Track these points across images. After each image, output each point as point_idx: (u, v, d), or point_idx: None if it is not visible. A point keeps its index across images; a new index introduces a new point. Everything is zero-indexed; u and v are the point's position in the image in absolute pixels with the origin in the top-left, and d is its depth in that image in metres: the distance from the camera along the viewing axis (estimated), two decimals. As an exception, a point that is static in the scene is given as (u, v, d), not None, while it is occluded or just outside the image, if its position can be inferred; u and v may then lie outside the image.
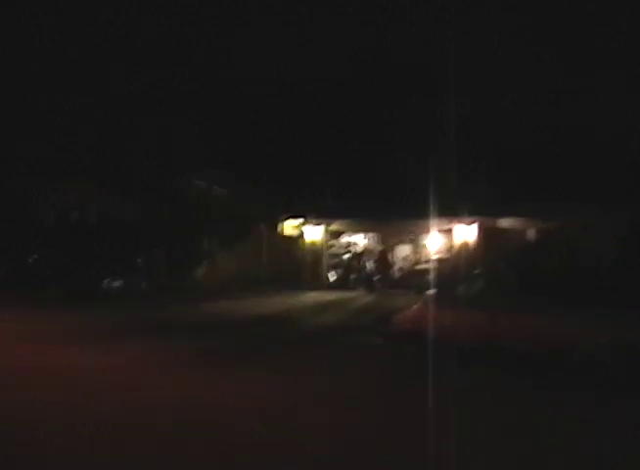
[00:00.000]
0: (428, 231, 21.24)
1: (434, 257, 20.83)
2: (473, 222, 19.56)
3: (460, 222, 19.66)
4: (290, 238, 22.36)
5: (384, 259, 23.73)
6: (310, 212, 21.55)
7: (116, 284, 15.73)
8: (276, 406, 5.10)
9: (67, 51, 19.09)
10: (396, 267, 23.95)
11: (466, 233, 19.87)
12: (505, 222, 19.51)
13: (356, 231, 23.94)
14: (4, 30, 18.44)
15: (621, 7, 18.46)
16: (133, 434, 4.32)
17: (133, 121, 19.60)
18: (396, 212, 19.76)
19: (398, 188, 19.87)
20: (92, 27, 19.42)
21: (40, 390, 5.57)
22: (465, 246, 19.80)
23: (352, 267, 23.61)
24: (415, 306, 11.21)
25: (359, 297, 18.74)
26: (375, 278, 23.10)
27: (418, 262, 23.11)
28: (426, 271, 20.00)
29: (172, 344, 8.34)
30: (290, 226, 22.42)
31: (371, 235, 24.38)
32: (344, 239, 24.16)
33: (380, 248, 24.24)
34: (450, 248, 20.69)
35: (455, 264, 18.77)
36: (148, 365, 6.83)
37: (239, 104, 21.01)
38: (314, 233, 22.22)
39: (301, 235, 22.30)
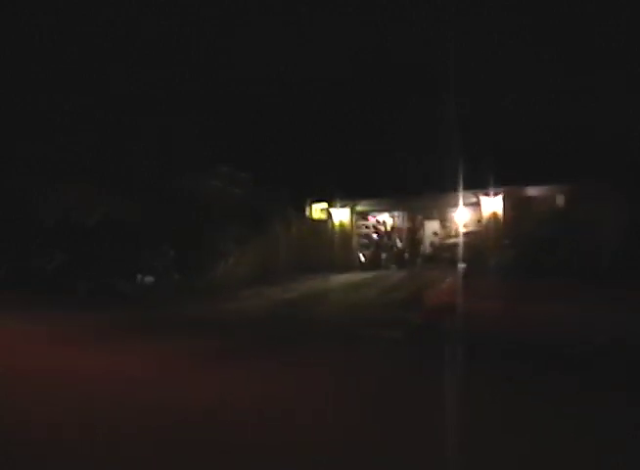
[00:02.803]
0: (455, 205, 21.27)
1: (463, 230, 20.83)
2: (498, 194, 19.44)
3: (486, 194, 19.59)
4: (318, 221, 22.34)
5: (413, 236, 23.75)
6: (335, 194, 21.47)
7: (147, 278, 15.75)
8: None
9: (67, 51, 19.08)
10: (426, 243, 23.92)
11: (493, 205, 19.78)
12: (532, 191, 19.32)
13: (383, 210, 23.91)
14: (4, 30, 18.44)
15: (621, 7, 18.46)
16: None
17: (133, 121, 19.59)
18: (422, 188, 19.68)
19: (420, 163, 19.70)
20: (92, 28, 19.43)
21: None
22: (493, 217, 19.69)
23: (382, 246, 23.57)
24: (447, 281, 11.32)
25: (391, 275, 18.63)
26: (405, 255, 23.06)
27: (447, 237, 23.11)
28: (455, 245, 20.12)
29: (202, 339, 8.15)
30: (317, 210, 22.37)
31: (398, 213, 24.30)
32: (372, 219, 24.10)
33: (408, 225, 24.22)
34: (478, 220, 20.62)
35: (484, 237, 18.73)
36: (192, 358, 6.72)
37: (239, 104, 21.03)
38: (341, 215, 22.25)
39: (329, 218, 22.26)
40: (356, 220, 23.08)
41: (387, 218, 24.70)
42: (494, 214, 19.67)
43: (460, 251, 18.77)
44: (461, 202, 20.36)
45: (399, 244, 24.11)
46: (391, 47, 21.37)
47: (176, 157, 19.96)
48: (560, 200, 18.88)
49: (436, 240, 23.98)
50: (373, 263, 22.09)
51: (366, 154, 21.21)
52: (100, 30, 19.43)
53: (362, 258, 22.70)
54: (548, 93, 19.35)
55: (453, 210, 22.66)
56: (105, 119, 19.41)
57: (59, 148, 18.78)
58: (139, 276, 15.81)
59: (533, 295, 10.91)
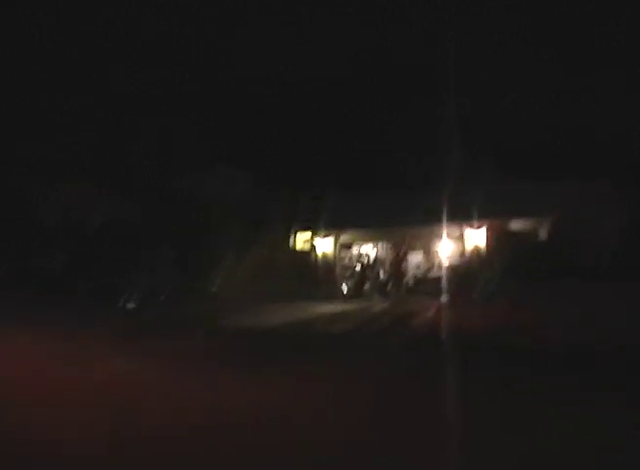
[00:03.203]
0: (439, 237, 21.41)
1: (447, 263, 21.01)
2: (481, 226, 19.69)
3: (469, 227, 19.84)
4: (302, 251, 22.49)
5: (396, 268, 23.88)
6: (319, 225, 21.63)
7: (133, 302, 15.59)
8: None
9: (67, 51, 19.10)
10: (410, 275, 24.10)
11: (476, 237, 20.04)
12: (515, 224, 19.59)
13: (366, 241, 24.08)
14: (4, 30, 18.46)
15: (621, 7, 18.48)
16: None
17: (133, 121, 19.60)
18: (406, 220, 19.88)
19: (406, 195, 19.92)
20: (92, 28, 19.45)
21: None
22: (476, 250, 19.97)
23: (365, 277, 23.78)
24: (431, 311, 11.45)
25: (374, 305, 18.66)
26: (389, 286, 23.27)
27: (430, 269, 23.27)
28: (439, 277, 20.28)
29: (191, 351, 8.07)
30: (301, 239, 22.53)
31: (382, 244, 24.49)
32: (356, 250, 24.31)
33: (392, 256, 24.38)
34: (462, 253, 20.83)
35: (467, 269, 18.97)
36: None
37: (239, 104, 21.04)
38: (325, 245, 22.40)
39: (313, 248, 22.45)
40: (340, 251, 23.17)
41: (370, 249, 24.90)
42: (477, 247, 19.95)
43: (443, 283, 18.95)
44: (445, 234, 20.50)
45: (383, 275, 24.33)
46: (392, 47, 21.42)
47: (174, 159, 19.99)
48: (543, 233, 19.09)
49: (420, 272, 24.10)
50: (356, 294, 22.09)
51: (350, 185, 21.29)
52: (100, 30, 19.45)
53: (345, 289, 22.93)
54: (547, 93, 19.37)
55: (437, 242, 22.89)
56: (105, 119, 19.43)
57: (59, 148, 18.80)
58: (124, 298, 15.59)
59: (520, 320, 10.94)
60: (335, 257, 22.70)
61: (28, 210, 18.63)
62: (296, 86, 21.11)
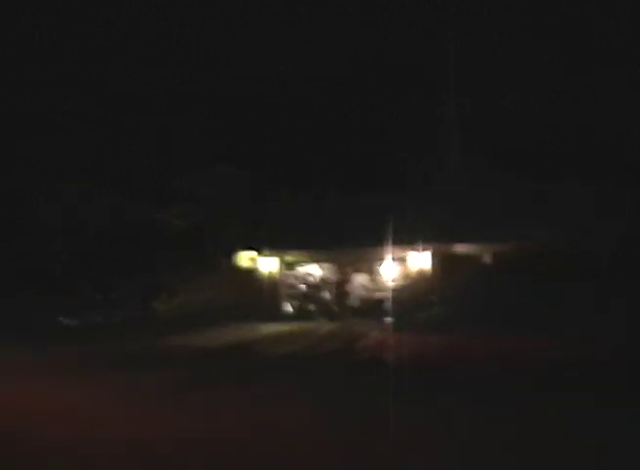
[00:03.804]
0: (384, 259, 21.52)
1: (391, 284, 21.20)
2: (426, 249, 19.96)
3: (414, 250, 20.08)
4: (246, 270, 22.43)
5: (341, 288, 23.98)
6: (264, 244, 21.63)
7: (73, 321, 15.40)
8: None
9: (67, 51, 19.08)
10: (354, 296, 24.19)
11: (421, 260, 20.39)
12: (460, 248, 19.81)
13: (311, 261, 24.16)
14: (4, 30, 18.44)
15: (621, 7, 18.46)
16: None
17: (133, 121, 19.57)
18: (352, 241, 20.05)
19: (351, 215, 20.13)
20: (92, 28, 19.43)
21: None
22: (421, 273, 20.31)
23: (310, 298, 23.81)
24: (374, 334, 11.63)
25: (318, 327, 18.88)
26: (334, 307, 23.36)
27: (375, 291, 23.36)
28: (383, 299, 20.44)
29: (138, 376, 8.14)
30: (245, 258, 22.50)
31: (326, 265, 24.59)
32: (300, 270, 24.36)
33: (336, 277, 24.48)
34: (406, 275, 21.01)
35: (411, 292, 19.31)
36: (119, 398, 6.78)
37: (238, 104, 21.02)
38: (269, 265, 22.43)
39: (257, 267, 22.44)
40: (285, 270, 23.14)
41: (315, 270, 24.95)
42: (422, 270, 20.18)
43: (388, 305, 19.08)
44: (390, 256, 20.57)
45: (328, 296, 24.36)
46: (392, 47, 21.39)
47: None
48: (487, 258, 19.25)
49: (365, 293, 24.15)
50: (301, 315, 22.10)
51: (288, 168, 21.24)
52: (100, 30, 19.42)
53: (290, 309, 22.92)
54: (547, 93, 19.34)
55: (382, 263, 23.01)
56: (105, 119, 19.40)
57: (58, 148, 18.78)
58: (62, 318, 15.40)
59: (454, 347, 10.93)
60: (280, 276, 22.77)
61: (28, 210, 18.59)
62: (296, 86, 21.10)
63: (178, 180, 20.24)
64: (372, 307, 21.31)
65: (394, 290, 20.32)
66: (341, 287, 23.95)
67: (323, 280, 24.61)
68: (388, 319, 17.57)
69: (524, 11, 19.91)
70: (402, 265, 21.37)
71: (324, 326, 18.98)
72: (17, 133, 18.97)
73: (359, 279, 24.61)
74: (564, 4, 19.60)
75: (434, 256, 19.99)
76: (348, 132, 21.61)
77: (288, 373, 8.61)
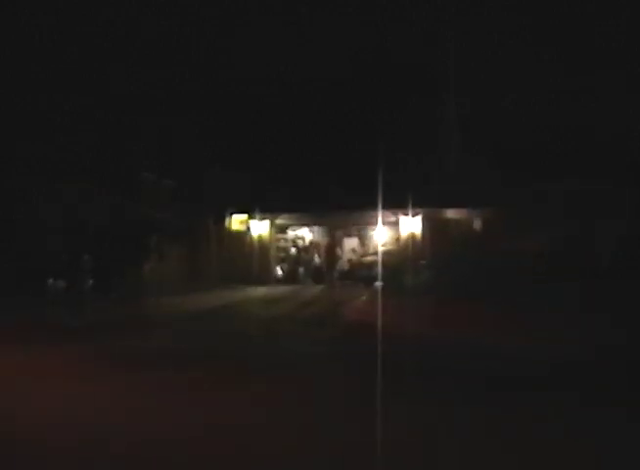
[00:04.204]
0: (375, 223, 21.37)
1: (382, 249, 20.98)
2: (417, 214, 19.84)
3: (405, 214, 19.95)
4: (237, 233, 22.25)
5: (331, 252, 23.80)
6: (255, 207, 21.34)
7: (60, 284, 15.38)
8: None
9: (66, 51, 19.06)
10: (344, 260, 24.02)
11: (412, 225, 20.20)
12: (450, 213, 19.74)
13: (302, 225, 23.98)
14: (4, 30, 18.42)
15: (621, 7, 18.44)
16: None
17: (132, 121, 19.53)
18: (342, 205, 19.86)
19: (343, 179, 19.96)
20: (92, 27, 19.42)
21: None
22: (411, 237, 20.10)
23: (300, 261, 23.62)
24: (363, 298, 11.35)
25: (308, 290, 18.73)
26: (323, 271, 23.14)
27: (365, 255, 23.20)
28: (373, 263, 20.22)
29: (120, 343, 7.97)
30: (236, 221, 22.28)
31: (317, 228, 24.38)
32: (291, 233, 24.14)
33: (327, 240, 24.28)
34: (397, 239, 20.83)
35: (402, 256, 19.01)
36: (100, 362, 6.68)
37: (238, 104, 21.01)
38: (260, 228, 22.20)
39: (248, 230, 22.18)
40: (275, 234, 23.00)
41: (306, 233, 24.76)
42: (412, 235, 20.02)
43: (378, 269, 18.89)
44: (380, 220, 20.41)
45: (317, 259, 24.18)
46: (392, 47, 21.36)
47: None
48: (477, 223, 19.20)
49: (355, 257, 24.03)
50: (290, 278, 22.13)
51: (288, 168, 21.22)
52: (100, 30, 19.42)
53: (280, 272, 22.73)
54: (547, 93, 19.33)
55: (373, 227, 22.79)
56: (104, 119, 19.38)
57: (58, 148, 18.75)
58: (50, 280, 15.38)
59: (444, 316, 10.78)
60: (270, 239, 22.49)
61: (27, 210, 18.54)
62: (295, 86, 21.09)
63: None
64: (361, 271, 21.22)
65: (384, 254, 20.12)
66: (330, 251, 23.89)
67: (313, 244, 24.65)
68: (377, 283, 17.41)
69: (523, 11, 19.92)
70: (393, 230, 21.28)
71: (312, 290, 18.87)
72: (16, 133, 18.94)
73: (349, 243, 24.64)
74: (563, 4, 19.61)
75: (424, 220, 19.83)
76: (348, 132, 21.60)
77: (260, 340, 8.43)
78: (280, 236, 23.64)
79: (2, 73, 18.37)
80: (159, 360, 6.72)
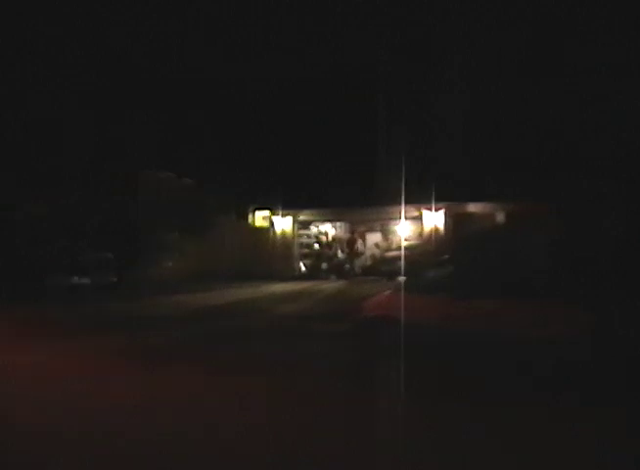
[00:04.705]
0: (397, 218, 21.31)
1: (405, 243, 20.87)
2: (440, 209, 19.82)
3: (428, 209, 19.95)
4: (260, 229, 22.28)
5: (354, 247, 23.72)
6: (277, 203, 21.24)
7: (84, 280, 15.58)
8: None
9: (66, 50, 19.11)
10: (367, 255, 23.92)
11: (434, 219, 20.20)
12: (473, 207, 19.66)
13: (325, 220, 23.90)
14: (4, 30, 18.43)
15: (617, 12, 18.45)
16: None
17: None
18: (365, 200, 19.95)
19: (366, 176, 19.90)
20: (92, 27, 19.47)
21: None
22: (434, 232, 20.07)
23: (323, 256, 23.53)
24: (385, 293, 11.18)
25: (330, 285, 18.61)
26: (346, 266, 23.02)
27: (388, 249, 23.12)
28: (396, 258, 20.06)
29: (142, 336, 7.96)
30: (259, 218, 22.30)
31: (340, 224, 24.33)
32: (314, 229, 24.07)
33: (350, 236, 24.22)
34: (420, 234, 20.72)
35: (425, 250, 18.87)
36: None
37: (182, 107, 20.95)
38: (283, 223, 22.22)
39: (271, 226, 22.03)
40: (298, 230, 23.00)
41: (329, 229, 24.72)
42: (436, 229, 19.98)
43: (400, 263, 18.85)
44: (403, 215, 20.39)
45: (340, 255, 24.14)
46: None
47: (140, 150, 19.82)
48: (500, 217, 18.96)
49: (377, 252, 24.00)
50: (313, 273, 22.10)
51: (311, 164, 21.23)
52: (100, 30, 19.46)
53: (302, 268, 22.58)
54: (548, 93, 19.29)
55: (395, 222, 22.72)
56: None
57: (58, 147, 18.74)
58: (75, 277, 15.59)
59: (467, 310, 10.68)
60: (293, 235, 22.36)
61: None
62: (240, 91, 21.07)
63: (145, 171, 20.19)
64: (384, 266, 21.08)
65: (407, 249, 20.01)
66: (353, 246, 23.84)
67: (336, 239, 24.56)
68: (400, 278, 17.34)
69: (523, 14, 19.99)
70: (416, 225, 21.12)
71: (335, 285, 18.67)
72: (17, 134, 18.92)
73: (372, 238, 24.55)
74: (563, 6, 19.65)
75: (447, 215, 19.67)
76: (294, 142, 21.60)
77: (278, 334, 8.31)
78: (303, 232, 23.67)
79: (2, 74, 18.37)
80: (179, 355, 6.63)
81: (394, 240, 23.60)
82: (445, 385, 5.02)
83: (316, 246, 24.08)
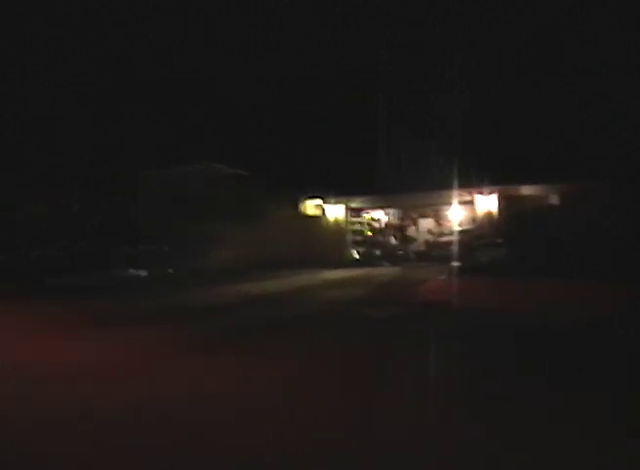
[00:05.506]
0: (450, 203, 21.22)
1: (457, 228, 20.74)
2: (492, 192, 19.50)
3: (480, 193, 19.63)
4: (312, 218, 22.29)
5: (406, 233, 23.69)
6: (329, 191, 21.32)
7: (141, 273, 15.89)
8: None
9: (66, 50, 19.11)
10: (420, 240, 23.85)
11: (487, 203, 19.79)
12: (526, 190, 19.25)
13: (377, 207, 23.79)
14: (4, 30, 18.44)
15: (616, 14, 18.45)
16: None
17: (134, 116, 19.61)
18: (417, 186, 19.67)
19: (417, 161, 19.77)
20: (92, 27, 19.48)
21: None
22: (487, 216, 19.69)
23: (376, 243, 23.44)
24: (440, 277, 11.05)
25: (384, 271, 18.35)
26: (399, 252, 22.85)
27: (441, 235, 23.03)
28: (449, 243, 20.06)
29: (199, 325, 7.76)
30: (311, 206, 22.31)
31: (392, 210, 24.26)
32: (366, 215, 24.04)
33: (402, 222, 24.16)
34: (473, 219, 20.57)
35: (478, 235, 18.64)
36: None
37: (235, 101, 21.08)
38: (335, 211, 22.30)
39: (323, 214, 22.11)
40: (350, 217, 22.99)
41: (381, 215, 24.68)
42: (489, 213, 19.63)
43: (454, 248, 18.56)
44: (455, 200, 20.28)
45: (393, 241, 24.06)
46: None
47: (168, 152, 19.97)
48: (554, 199, 18.72)
49: (430, 237, 23.97)
50: (366, 260, 21.96)
51: (362, 151, 21.25)
52: (100, 30, 19.47)
53: (356, 255, 22.54)
54: (549, 94, 19.31)
55: (448, 207, 22.59)
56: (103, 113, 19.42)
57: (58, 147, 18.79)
58: (132, 270, 16.00)
59: (522, 292, 10.63)
60: (346, 222, 22.44)
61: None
62: (291, 85, 21.14)
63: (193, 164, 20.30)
64: (437, 251, 21.07)
65: (460, 234, 19.85)
66: (406, 232, 23.79)
67: (388, 225, 24.51)
68: (454, 263, 17.20)
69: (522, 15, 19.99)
70: (468, 209, 20.94)
71: (388, 271, 18.48)
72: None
73: (425, 223, 24.44)
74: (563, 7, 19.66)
75: (500, 198, 19.39)
76: (344, 129, 21.60)
77: (340, 319, 8.15)
78: (355, 219, 23.63)
79: (2, 74, 18.38)
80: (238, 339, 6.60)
81: (447, 225, 23.46)
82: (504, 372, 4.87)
83: (369, 233, 24.05)
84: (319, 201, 22.24)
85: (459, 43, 19.87)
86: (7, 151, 18.33)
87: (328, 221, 22.21)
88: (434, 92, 20.48)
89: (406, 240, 23.98)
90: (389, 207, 24.04)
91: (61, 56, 18.89)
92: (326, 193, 21.73)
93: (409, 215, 24.43)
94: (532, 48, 19.70)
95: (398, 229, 24.51)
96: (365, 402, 3.92)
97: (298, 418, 3.59)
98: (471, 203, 20.28)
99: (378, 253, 23.03)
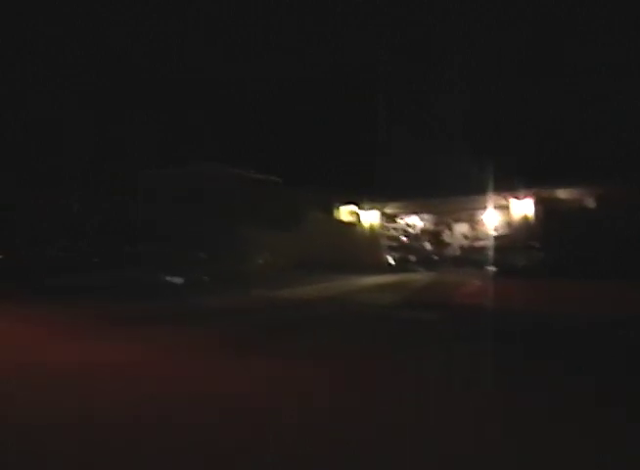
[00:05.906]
0: (484, 208, 21.17)
1: (493, 232, 20.67)
2: (527, 196, 19.37)
3: (515, 197, 19.54)
4: (347, 224, 22.24)
5: (441, 238, 23.64)
6: (364, 196, 21.27)
7: (177, 280, 15.78)
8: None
9: (66, 50, 19.05)
10: (455, 245, 23.78)
11: (522, 207, 19.65)
12: (562, 193, 19.10)
13: (411, 213, 23.74)
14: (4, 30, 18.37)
15: (618, 15, 18.47)
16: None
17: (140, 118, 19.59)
18: (451, 191, 19.44)
19: (450, 166, 19.67)
20: (92, 27, 19.42)
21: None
22: (522, 220, 19.55)
23: (410, 248, 23.41)
24: (476, 282, 11.14)
25: (420, 276, 18.40)
26: (434, 257, 22.80)
27: (476, 239, 22.99)
28: (484, 247, 20.02)
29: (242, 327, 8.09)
30: (346, 212, 22.23)
31: (427, 215, 24.12)
32: (401, 221, 23.92)
33: (437, 227, 24.10)
34: (508, 223, 20.47)
35: (513, 239, 18.57)
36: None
37: (264, 106, 21.09)
38: (370, 217, 22.36)
39: (358, 220, 22.16)
40: (385, 222, 22.99)
41: (416, 221, 24.63)
42: (525, 217, 19.46)
43: (489, 253, 18.50)
44: (490, 205, 20.17)
45: (428, 246, 24.02)
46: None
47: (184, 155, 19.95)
48: (590, 202, 18.52)
49: (466, 242, 23.90)
50: (401, 265, 21.89)
51: (394, 156, 21.17)
52: (99, 30, 19.41)
53: (391, 260, 22.48)
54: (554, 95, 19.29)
55: (482, 212, 22.50)
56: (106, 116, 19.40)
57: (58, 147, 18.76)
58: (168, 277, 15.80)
59: (555, 297, 10.68)
60: (380, 228, 22.45)
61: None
62: (319, 90, 21.12)
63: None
64: (473, 256, 20.96)
65: (495, 238, 19.84)
66: (441, 237, 23.71)
67: (423, 231, 24.45)
68: (489, 267, 17.15)
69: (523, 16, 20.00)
70: (503, 213, 20.83)
71: (424, 276, 18.49)
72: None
73: (460, 228, 24.30)
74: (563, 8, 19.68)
75: (535, 202, 19.27)
76: (376, 136, 21.55)
77: (380, 323, 8.38)
78: (390, 225, 23.60)
79: (2, 74, 18.32)
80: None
81: (482, 229, 23.41)
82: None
83: (403, 238, 23.99)
84: (353, 206, 22.17)
85: (459, 43, 19.84)
86: (7, 151, 18.29)
87: (363, 227, 22.21)
88: (459, 92, 20.45)
89: (441, 245, 23.97)
90: (424, 212, 23.95)
91: (61, 56, 18.85)
92: (360, 198, 21.58)
93: (444, 220, 24.36)
94: (532, 48, 19.71)
95: (433, 234, 24.48)
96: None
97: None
98: (506, 207, 20.19)
99: (413, 258, 23.00)
